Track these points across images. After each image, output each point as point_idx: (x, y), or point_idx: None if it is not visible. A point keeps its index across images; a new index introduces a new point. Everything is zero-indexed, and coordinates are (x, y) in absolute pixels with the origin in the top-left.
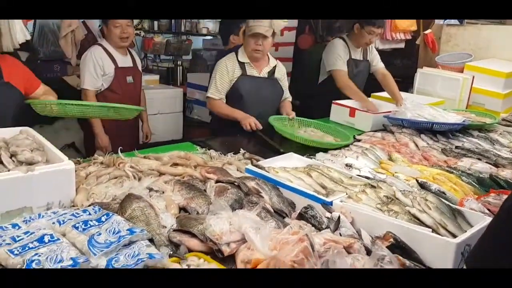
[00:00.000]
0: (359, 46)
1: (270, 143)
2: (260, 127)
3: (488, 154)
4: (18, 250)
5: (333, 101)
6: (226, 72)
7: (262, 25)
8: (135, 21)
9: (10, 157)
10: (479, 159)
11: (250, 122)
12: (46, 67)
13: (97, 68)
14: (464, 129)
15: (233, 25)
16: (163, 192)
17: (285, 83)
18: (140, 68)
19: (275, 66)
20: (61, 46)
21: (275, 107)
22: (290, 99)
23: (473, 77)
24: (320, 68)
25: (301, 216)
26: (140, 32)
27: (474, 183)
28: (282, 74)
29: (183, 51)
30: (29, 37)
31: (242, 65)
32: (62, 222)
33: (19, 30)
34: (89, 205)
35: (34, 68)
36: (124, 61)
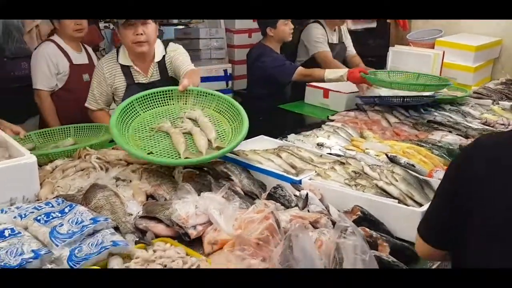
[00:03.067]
0: (333, 28)
1: None
2: None
3: (459, 126)
4: None
5: (306, 83)
6: (104, 79)
7: None
8: None
9: None
10: (450, 131)
11: None
12: (13, 65)
13: (50, 66)
14: (436, 103)
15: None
16: (130, 181)
17: (178, 59)
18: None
19: (164, 56)
20: (26, 42)
21: None
22: (190, 68)
23: (444, 52)
24: (297, 51)
25: (270, 196)
26: (109, 25)
27: (444, 155)
28: (172, 56)
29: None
30: None
31: (125, 69)
32: (23, 216)
33: None
34: (53, 198)
35: (0, 66)
36: (79, 57)
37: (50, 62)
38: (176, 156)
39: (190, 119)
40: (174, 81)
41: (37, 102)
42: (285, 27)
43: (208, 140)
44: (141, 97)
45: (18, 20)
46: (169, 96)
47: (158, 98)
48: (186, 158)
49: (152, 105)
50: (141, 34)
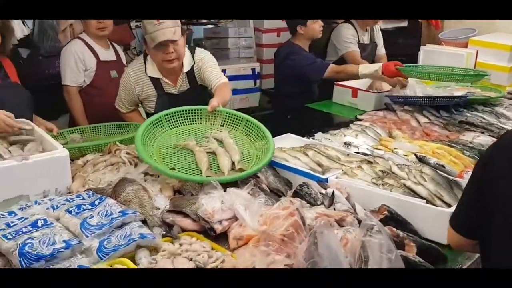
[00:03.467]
0: (365, 28)
1: None
2: None
3: (492, 127)
4: (11, 235)
5: (335, 82)
6: (131, 88)
7: (166, 28)
8: None
9: (7, 148)
10: (482, 132)
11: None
12: (48, 63)
13: (78, 63)
14: (469, 104)
15: None
16: (158, 176)
17: (207, 70)
18: (124, 61)
19: (192, 66)
20: (61, 40)
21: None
22: (223, 80)
23: (477, 51)
24: (327, 51)
25: (296, 194)
26: (140, 24)
27: (476, 156)
28: (200, 66)
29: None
30: (27, 33)
31: (154, 80)
32: (56, 207)
33: (17, 26)
34: (84, 191)
35: (36, 64)
36: (107, 54)
37: (77, 59)
38: (198, 174)
39: (216, 139)
40: (203, 89)
41: (66, 98)
42: (315, 25)
43: (232, 162)
44: (169, 114)
45: (53, 19)
46: (197, 115)
47: (186, 116)
48: (208, 176)
49: (180, 123)
50: (172, 52)
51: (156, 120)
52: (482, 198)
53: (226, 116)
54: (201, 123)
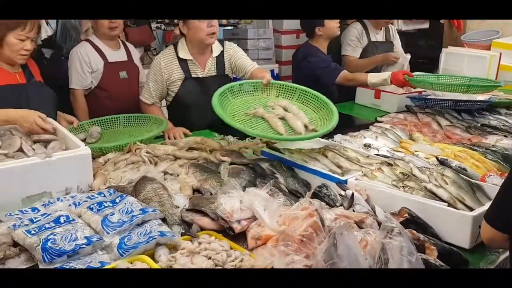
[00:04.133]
0: (379, 27)
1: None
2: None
3: None
4: (35, 230)
5: None
6: (160, 73)
7: None
8: None
9: (31, 146)
10: (505, 136)
11: (173, 133)
12: None
13: (83, 65)
14: (491, 107)
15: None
16: (177, 175)
17: (241, 57)
18: (137, 62)
19: (222, 52)
20: None
21: None
22: (257, 66)
23: (501, 54)
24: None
25: (315, 195)
26: (160, 25)
27: (499, 160)
28: (231, 54)
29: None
30: (50, 33)
31: (183, 63)
32: (78, 204)
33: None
34: (105, 189)
35: (59, 65)
36: (116, 55)
37: (83, 61)
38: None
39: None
40: (228, 79)
41: (71, 101)
42: (333, 23)
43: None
44: (231, 87)
45: (76, 20)
46: (254, 88)
47: (245, 89)
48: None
49: (241, 94)
50: (214, 25)
51: (222, 92)
52: None
53: (279, 87)
54: (258, 95)
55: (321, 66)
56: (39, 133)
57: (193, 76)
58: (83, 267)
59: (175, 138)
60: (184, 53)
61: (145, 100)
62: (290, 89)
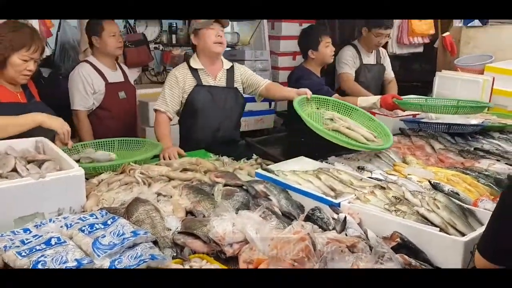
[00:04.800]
0: (370, 50)
1: (269, 154)
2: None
3: (508, 155)
4: (25, 252)
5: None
6: (176, 82)
7: None
8: (154, 35)
9: (25, 166)
10: (498, 160)
11: (168, 153)
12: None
13: (86, 87)
14: (484, 131)
15: (312, 40)
16: (171, 197)
17: (253, 74)
18: (132, 82)
19: (232, 66)
20: (81, 60)
21: (236, 118)
22: (269, 80)
23: (493, 78)
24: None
25: (308, 218)
26: (158, 46)
27: (492, 184)
28: (242, 72)
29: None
30: (49, 53)
31: (195, 72)
32: (69, 226)
33: None
34: (97, 210)
35: (57, 84)
36: (115, 76)
37: (86, 82)
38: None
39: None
40: (238, 92)
41: (75, 122)
42: (327, 49)
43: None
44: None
45: (74, 40)
46: (302, 103)
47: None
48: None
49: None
50: (221, 36)
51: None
52: (508, 224)
53: (318, 101)
54: (307, 109)
55: (313, 89)
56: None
57: (204, 84)
58: None
59: (170, 159)
60: (195, 64)
61: (158, 108)
62: (325, 101)
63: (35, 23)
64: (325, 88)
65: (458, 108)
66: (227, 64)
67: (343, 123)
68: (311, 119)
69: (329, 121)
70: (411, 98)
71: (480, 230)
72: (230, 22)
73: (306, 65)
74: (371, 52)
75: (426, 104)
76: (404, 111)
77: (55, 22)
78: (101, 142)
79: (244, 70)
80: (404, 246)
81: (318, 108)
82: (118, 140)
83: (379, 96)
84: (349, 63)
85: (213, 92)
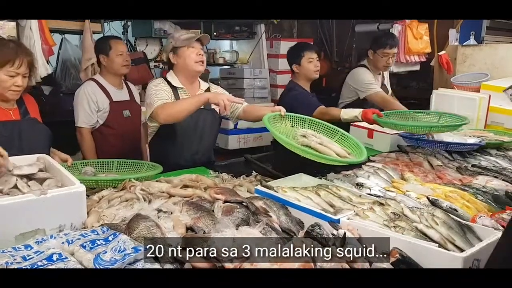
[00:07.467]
0: (379, 71)
1: (269, 170)
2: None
3: (506, 171)
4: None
5: (351, 123)
6: (166, 92)
7: (194, 32)
8: (154, 54)
9: (27, 183)
10: (495, 177)
11: (223, 99)
12: (69, 100)
13: (91, 104)
14: (482, 148)
15: (295, 55)
16: (171, 213)
17: None
18: (138, 101)
19: (208, 88)
20: (82, 79)
21: (213, 140)
22: (247, 104)
23: (490, 96)
24: (340, 93)
25: (307, 234)
26: (158, 64)
27: (489, 201)
28: (220, 92)
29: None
30: (50, 71)
31: (174, 90)
32: (70, 242)
33: (41, 65)
34: (99, 226)
35: (57, 101)
36: (120, 94)
37: (90, 100)
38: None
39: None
40: (215, 113)
41: (78, 139)
42: (309, 65)
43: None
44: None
45: (76, 59)
46: (274, 119)
47: (272, 120)
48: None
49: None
50: (201, 54)
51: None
52: None
53: (291, 118)
54: (279, 126)
55: (299, 100)
56: None
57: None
58: None
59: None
60: (175, 82)
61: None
62: (301, 120)
63: (37, 42)
64: (311, 100)
65: (432, 128)
66: (204, 85)
67: (316, 139)
68: (283, 135)
69: (301, 137)
70: (396, 112)
71: (479, 245)
72: (229, 41)
73: (294, 79)
74: (379, 75)
75: (401, 124)
76: (382, 127)
77: (57, 40)
78: (100, 162)
79: (222, 92)
80: (403, 262)
81: (292, 126)
82: (117, 161)
83: (361, 110)
84: (375, 82)
85: (193, 113)
